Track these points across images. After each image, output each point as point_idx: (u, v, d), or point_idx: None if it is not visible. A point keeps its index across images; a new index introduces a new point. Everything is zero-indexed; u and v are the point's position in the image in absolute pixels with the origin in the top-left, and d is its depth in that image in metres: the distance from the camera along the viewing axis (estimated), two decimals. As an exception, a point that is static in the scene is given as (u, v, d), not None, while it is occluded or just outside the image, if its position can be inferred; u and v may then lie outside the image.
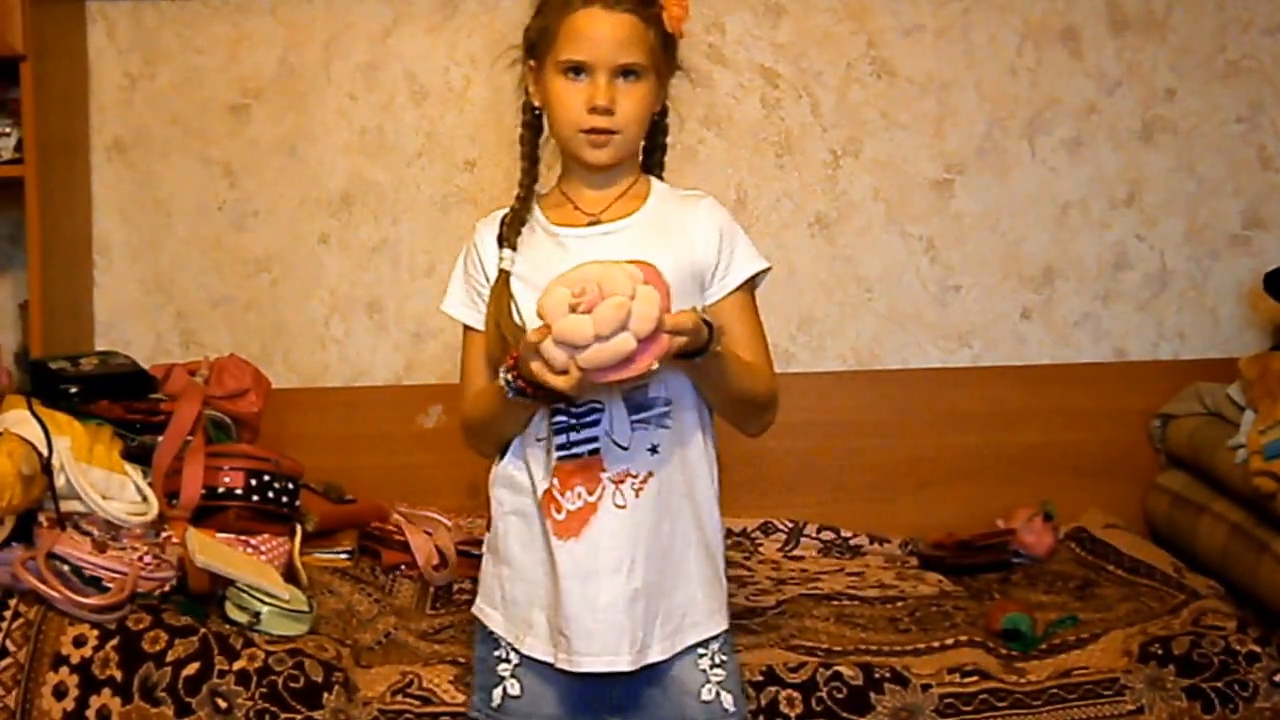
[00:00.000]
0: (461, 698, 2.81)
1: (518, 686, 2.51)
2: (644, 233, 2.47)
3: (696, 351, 2.26)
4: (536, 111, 2.53)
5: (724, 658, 2.50)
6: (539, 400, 2.34)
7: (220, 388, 3.55)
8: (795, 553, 3.89)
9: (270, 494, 3.26)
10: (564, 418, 2.41)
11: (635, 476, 2.40)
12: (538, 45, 2.50)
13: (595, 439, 2.40)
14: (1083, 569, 3.64)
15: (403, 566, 3.57)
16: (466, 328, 2.59)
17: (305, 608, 3.01)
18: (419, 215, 4.12)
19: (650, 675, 2.46)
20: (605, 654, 2.40)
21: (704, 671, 2.48)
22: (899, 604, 3.41)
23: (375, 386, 4.13)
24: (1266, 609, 3.17)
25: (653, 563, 2.41)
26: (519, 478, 2.50)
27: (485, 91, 4.09)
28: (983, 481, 4.03)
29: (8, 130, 3.77)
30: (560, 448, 2.42)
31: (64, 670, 2.77)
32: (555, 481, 2.42)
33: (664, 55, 2.47)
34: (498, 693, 2.52)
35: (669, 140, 2.62)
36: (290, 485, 3.31)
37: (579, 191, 2.53)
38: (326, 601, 3.22)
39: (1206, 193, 4.12)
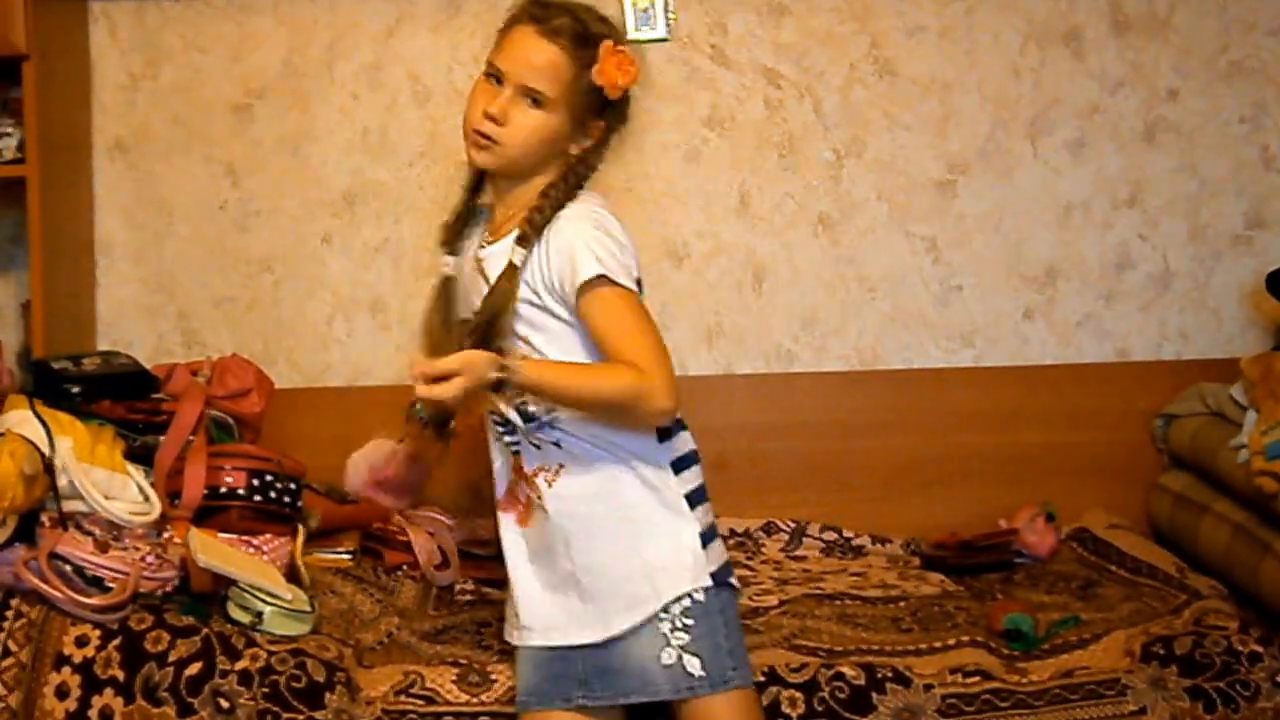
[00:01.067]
0: (465, 697, 2.82)
1: (512, 668, 2.77)
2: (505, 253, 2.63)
3: (494, 384, 2.46)
4: None
5: (690, 620, 2.58)
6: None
7: (222, 388, 3.55)
8: (798, 553, 3.90)
9: (272, 494, 3.25)
10: (496, 426, 2.75)
11: (548, 469, 2.65)
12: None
13: (517, 440, 2.70)
14: (1085, 569, 3.64)
15: (405, 567, 3.57)
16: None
17: (307, 608, 3.01)
18: (421, 215, 4.12)
19: (611, 645, 2.59)
20: (542, 630, 2.65)
21: (664, 635, 2.58)
22: (901, 604, 3.41)
23: (378, 386, 4.13)
24: (1268, 609, 3.17)
25: (587, 545, 2.60)
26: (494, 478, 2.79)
27: (488, 91, 4.09)
28: (985, 482, 4.03)
29: (10, 130, 3.77)
30: (509, 446, 2.74)
31: (66, 670, 2.77)
32: (513, 475, 2.75)
33: (582, 101, 2.58)
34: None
35: (580, 186, 2.67)
36: (292, 485, 3.31)
37: (495, 207, 2.75)
38: (329, 602, 3.22)
39: (1209, 193, 4.12)
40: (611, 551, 2.60)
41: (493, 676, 2.87)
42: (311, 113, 4.12)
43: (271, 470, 3.27)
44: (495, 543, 3.77)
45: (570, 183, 2.63)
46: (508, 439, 2.72)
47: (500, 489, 2.79)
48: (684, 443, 2.68)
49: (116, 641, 2.79)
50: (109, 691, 2.76)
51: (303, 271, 4.14)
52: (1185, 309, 4.14)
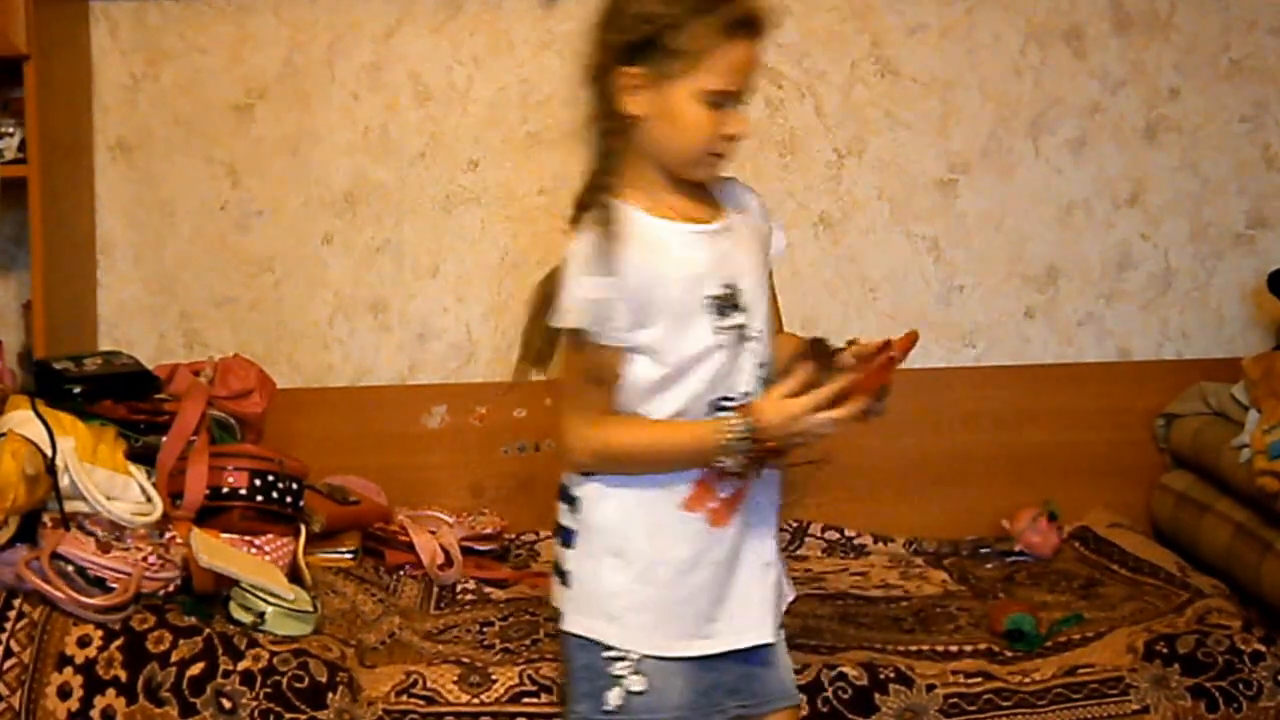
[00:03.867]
0: (466, 697, 2.82)
1: (642, 682, 2.45)
2: (740, 233, 2.49)
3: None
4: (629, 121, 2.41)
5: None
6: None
7: (224, 388, 3.55)
8: (799, 552, 3.90)
9: (274, 494, 3.26)
10: (722, 411, 2.41)
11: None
12: (665, 61, 2.35)
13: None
14: (1087, 568, 3.65)
15: (407, 566, 3.58)
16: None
17: (309, 608, 3.01)
18: (422, 215, 4.13)
19: (758, 654, 2.48)
20: (751, 631, 2.47)
21: (784, 644, 2.55)
22: (903, 604, 3.42)
23: (379, 386, 4.13)
24: (1271, 608, 3.18)
25: (771, 534, 2.50)
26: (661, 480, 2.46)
27: (489, 91, 4.09)
28: (987, 481, 4.04)
29: (11, 130, 3.76)
30: None
31: (68, 670, 2.77)
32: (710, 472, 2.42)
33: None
34: (614, 694, 2.45)
35: None
36: (294, 485, 3.31)
37: (673, 200, 2.45)
38: (331, 602, 3.22)
39: (1210, 192, 4.12)
40: (772, 547, 2.51)
41: (494, 676, 2.87)
42: (312, 113, 4.12)
43: (273, 470, 3.27)
44: (500, 540, 3.81)
45: None
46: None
47: (682, 487, 2.43)
48: None
49: (119, 642, 2.80)
50: (111, 692, 2.76)
51: (304, 271, 4.14)
52: (1187, 308, 4.14)
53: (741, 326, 2.40)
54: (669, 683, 2.45)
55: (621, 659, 2.45)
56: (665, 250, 2.36)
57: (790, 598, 2.57)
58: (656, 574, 2.44)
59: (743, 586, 2.45)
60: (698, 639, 2.45)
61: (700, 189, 2.47)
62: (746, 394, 2.39)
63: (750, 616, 2.46)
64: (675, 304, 2.34)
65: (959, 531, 3.97)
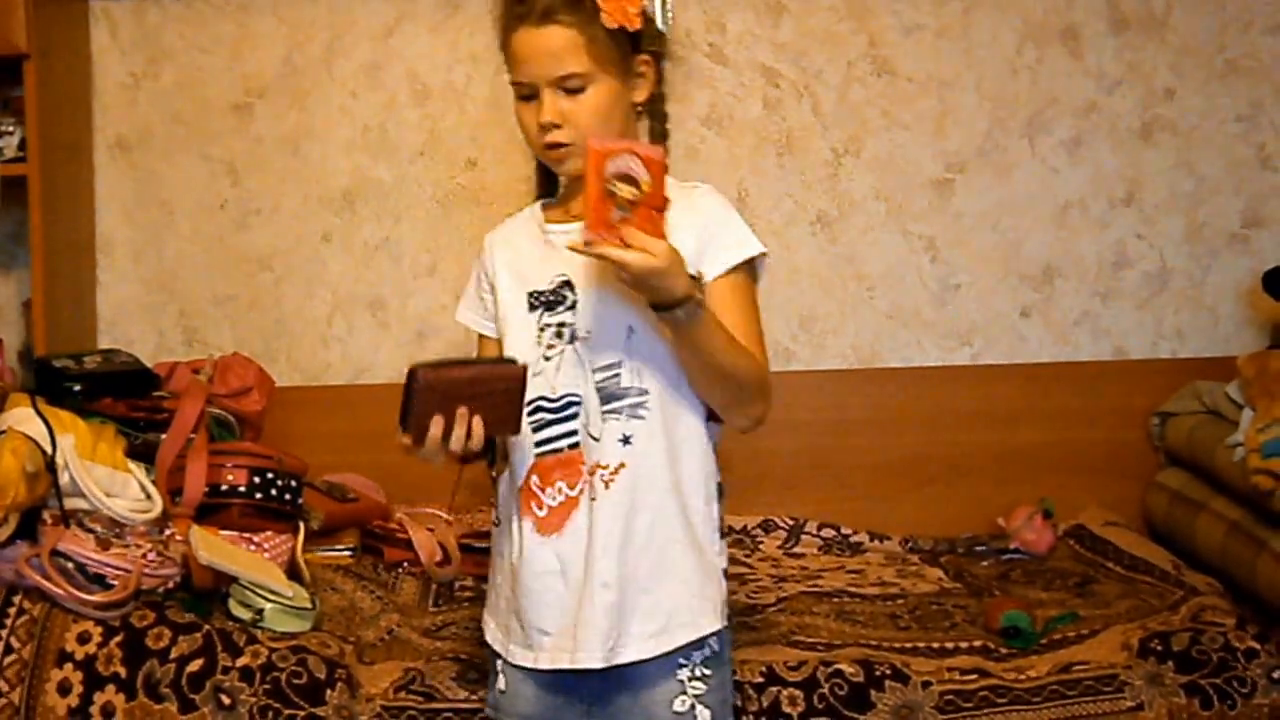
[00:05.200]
0: (464, 694, 2.83)
1: (504, 681, 2.50)
2: None
3: (673, 303, 2.22)
4: None
5: (708, 671, 2.42)
6: None
7: (223, 386, 3.56)
8: (796, 550, 3.91)
9: (273, 492, 3.26)
10: (542, 413, 2.39)
11: (606, 468, 2.36)
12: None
13: (575, 431, 2.38)
14: (1082, 566, 3.66)
15: (405, 564, 3.59)
16: (481, 336, 2.61)
17: (308, 605, 3.02)
18: (421, 213, 4.14)
19: (622, 677, 2.40)
20: (574, 650, 2.37)
21: (680, 681, 2.41)
22: (899, 601, 3.42)
23: (378, 384, 4.14)
24: (1265, 606, 3.18)
25: (627, 556, 2.36)
26: (506, 481, 2.48)
27: (487, 90, 4.10)
28: (982, 479, 4.05)
29: (11, 129, 3.78)
30: (539, 444, 2.40)
31: (68, 667, 2.78)
32: (535, 479, 2.41)
33: (616, 52, 2.40)
34: (493, 689, 2.53)
35: (668, 127, 2.57)
36: (293, 483, 3.32)
37: (575, 197, 2.48)
38: (329, 599, 3.23)
39: (1206, 192, 4.13)
40: (649, 571, 2.37)
41: (492, 673, 2.88)
42: (311, 112, 4.13)
43: (272, 468, 3.28)
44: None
45: (662, 128, 2.54)
46: (556, 429, 2.40)
47: (510, 490, 2.47)
48: (717, 469, 2.53)
49: (118, 638, 2.80)
50: (111, 688, 2.76)
51: (303, 270, 4.15)
52: (1182, 307, 4.15)
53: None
54: (520, 688, 2.47)
55: (496, 656, 2.52)
56: None
57: (698, 633, 2.42)
58: (494, 574, 2.51)
59: (578, 605, 2.37)
60: (528, 649, 2.43)
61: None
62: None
63: (584, 637, 2.36)
64: None
65: (955, 529, 3.98)
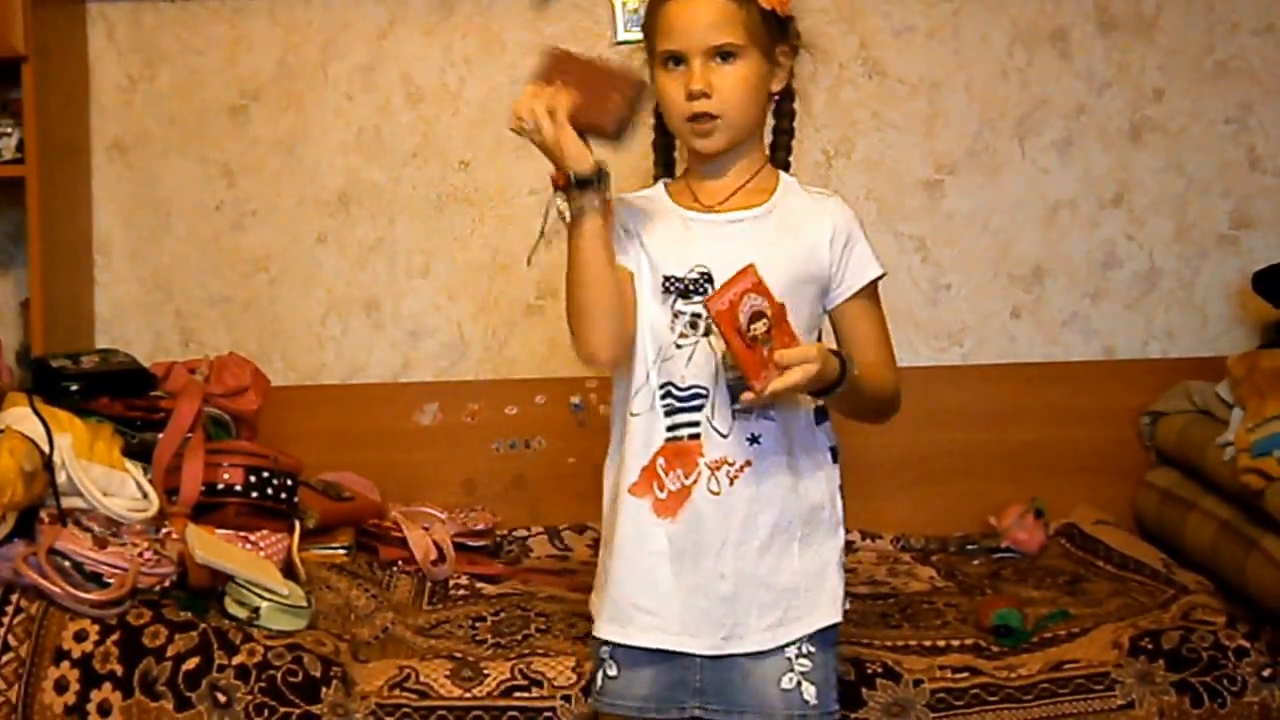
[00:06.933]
0: (459, 691, 2.84)
1: (615, 668, 2.54)
2: (765, 227, 2.49)
3: (832, 385, 2.33)
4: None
5: (813, 649, 2.49)
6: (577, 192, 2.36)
7: (220, 385, 3.57)
8: (789, 549, 3.92)
9: (269, 490, 3.27)
10: (671, 400, 2.44)
11: (732, 464, 2.42)
12: (648, 41, 2.51)
13: (697, 423, 2.44)
14: (1073, 565, 3.67)
15: (400, 562, 3.59)
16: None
17: (304, 603, 3.02)
18: (415, 215, 4.15)
19: (734, 660, 2.46)
20: (687, 635, 2.45)
21: (789, 659, 2.47)
22: (891, 600, 3.43)
23: (372, 384, 4.16)
24: (1255, 604, 3.19)
25: (746, 551, 2.43)
26: (624, 460, 2.51)
27: (480, 92, 4.12)
28: (974, 478, 4.06)
29: (9, 130, 3.79)
30: (668, 429, 2.45)
31: (65, 665, 2.78)
32: (661, 461, 2.46)
33: (766, 33, 2.44)
34: (600, 675, 2.56)
35: (794, 126, 2.60)
36: (289, 482, 3.33)
37: (699, 183, 2.53)
38: (325, 597, 3.23)
39: (1195, 193, 4.15)
40: (771, 566, 2.45)
41: (485, 671, 2.87)
42: (306, 113, 4.14)
43: (268, 467, 3.29)
44: (492, 536, 3.83)
45: (789, 126, 2.57)
46: (682, 418, 2.46)
47: (634, 470, 2.48)
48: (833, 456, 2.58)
49: (115, 636, 2.81)
50: (107, 686, 2.76)
51: (298, 270, 4.16)
52: (1171, 307, 4.16)
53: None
54: (636, 673, 2.51)
55: (603, 643, 2.54)
56: None
57: (809, 629, 2.49)
58: (604, 553, 2.54)
59: (688, 590, 2.45)
60: (631, 627, 2.48)
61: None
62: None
63: (697, 624, 2.45)
64: None
65: (946, 528, 4.00)
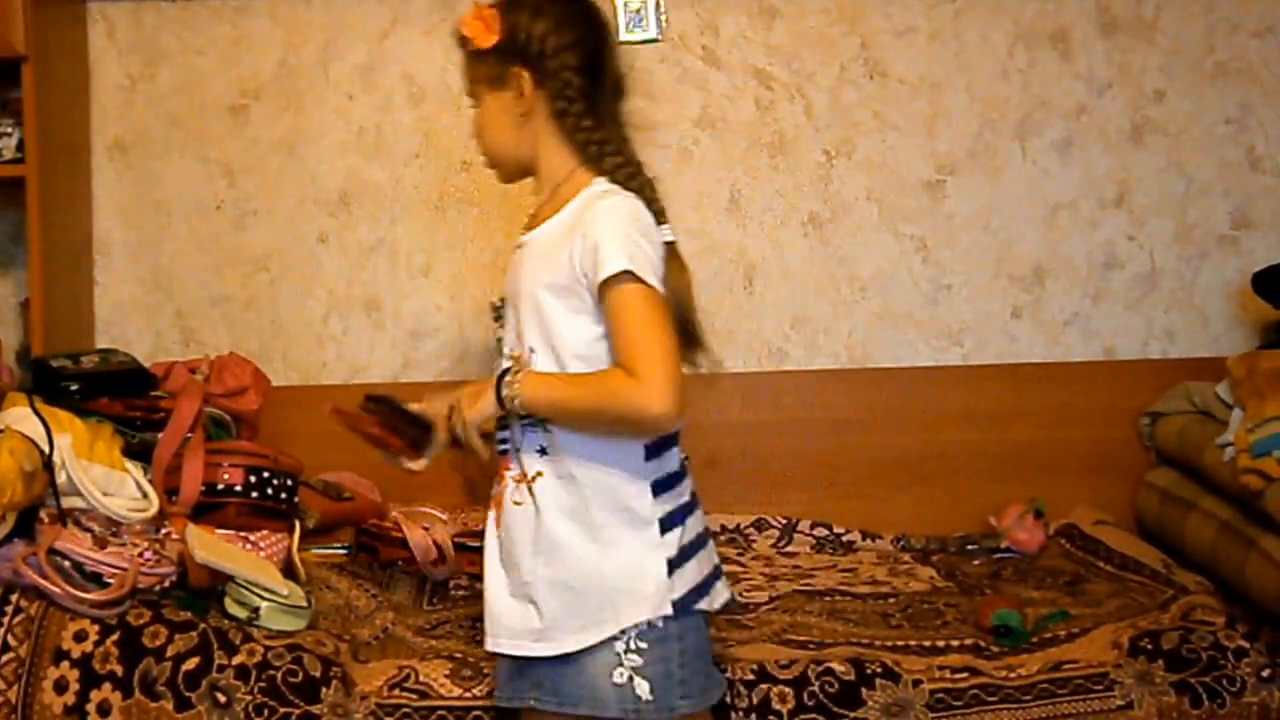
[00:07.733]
0: (458, 691, 2.84)
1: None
2: (541, 245, 2.54)
3: (501, 403, 2.47)
4: None
5: (644, 645, 2.47)
6: None
7: (220, 385, 3.57)
8: (788, 549, 3.92)
9: (269, 490, 3.27)
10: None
11: (526, 475, 2.51)
12: None
13: (506, 440, 2.55)
14: (1073, 565, 3.67)
15: (400, 562, 3.59)
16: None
17: (304, 603, 3.03)
18: (416, 215, 4.15)
19: (567, 656, 2.49)
20: (508, 638, 2.53)
21: (618, 654, 2.48)
22: (891, 600, 3.43)
23: (373, 384, 4.14)
24: (1254, 605, 3.19)
25: (552, 556, 2.48)
26: None
27: (481, 92, 4.12)
28: (974, 478, 4.06)
29: (9, 130, 3.79)
30: (499, 443, 2.58)
31: (65, 665, 2.78)
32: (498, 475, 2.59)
33: (485, 69, 2.57)
34: None
35: (586, 124, 2.56)
36: (289, 482, 3.33)
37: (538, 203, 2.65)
38: (325, 597, 3.24)
39: (1195, 193, 4.15)
40: (572, 570, 2.47)
41: (485, 671, 2.87)
42: (307, 113, 4.14)
43: (268, 467, 3.29)
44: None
45: (571, 125, 2.55)
46: (499, 435, 2.57)
47: (495, 485, 2.61)
48: (670, 461, 2.53)
49: (115, 636, 2.81)
50: (107, 686, 2.77)
51: (298, 270, 4.16)
52: (1171, 308, 4.17)
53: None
54: (498, 670, 2.63)
55: None
56: None
57: (620, 625, 2.48)
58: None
59: (504, 594, 2.56)
60: (488, 634, 2.59)
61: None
62: None
63: (500, 626, 2.56)
64: None
65: (946, 528, 4.00)
